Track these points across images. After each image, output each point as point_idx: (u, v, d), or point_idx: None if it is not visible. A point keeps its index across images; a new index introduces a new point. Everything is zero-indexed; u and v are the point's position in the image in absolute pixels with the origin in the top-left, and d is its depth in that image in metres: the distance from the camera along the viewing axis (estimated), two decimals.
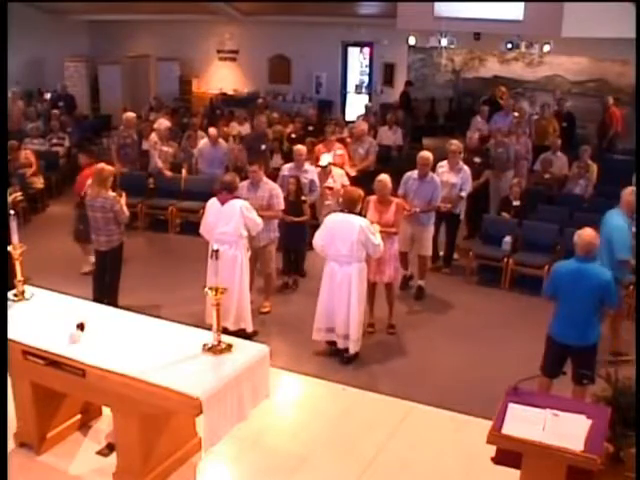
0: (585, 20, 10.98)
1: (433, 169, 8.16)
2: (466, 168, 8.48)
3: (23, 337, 4.63)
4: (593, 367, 4.99)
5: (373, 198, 6.94)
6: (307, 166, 8.47)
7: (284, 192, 7.72)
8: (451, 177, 8.34)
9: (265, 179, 7.48)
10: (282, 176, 8.33)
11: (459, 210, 8.60)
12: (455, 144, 8.52)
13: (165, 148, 10.65)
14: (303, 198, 8.09)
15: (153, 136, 10.81)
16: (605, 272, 5.19)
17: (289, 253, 8.28)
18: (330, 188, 8.88)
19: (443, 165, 8.49)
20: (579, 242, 5.18)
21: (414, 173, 7.77)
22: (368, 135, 10.85)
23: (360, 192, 6.53)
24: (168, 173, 10.39)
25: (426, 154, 7.81)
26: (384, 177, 6.96)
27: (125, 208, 7.05)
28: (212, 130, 10.73)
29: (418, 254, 7.94)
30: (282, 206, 7.42)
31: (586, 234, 5.18)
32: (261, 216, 6.82)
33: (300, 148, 8.58)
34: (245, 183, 7.33)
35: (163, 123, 11.45)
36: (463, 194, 8.41)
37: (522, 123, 11.32)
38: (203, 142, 10.65)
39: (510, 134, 10.79)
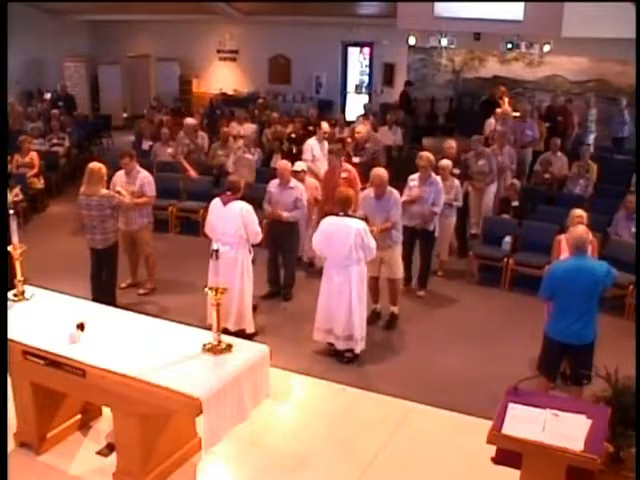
0: (585, 20, 10.98)
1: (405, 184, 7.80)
2: (439, 181, 7.79)
3: (23, 337, 4.63)
4: (590, 366, 5.00)
5: (563, 237, 6.04)
6: (293, 182, 7.73)
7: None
8: (422, 192, 7.61)
9: (138, 168, 7.75)
10: (268, 191, 7.76)
11: (433, 227, 7.79)
12: (424, 158, 7.69)
13: (248, 156, 10.08)
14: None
15: (240, 142, 10.48)
16: (602, 264, 5.24)
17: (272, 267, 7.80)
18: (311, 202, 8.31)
19: (414, 179, 7.79)
20: (571, 240, 5.25)
21: (371, 191, 7.00)
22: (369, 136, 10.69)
23: (351, 192, 6.60)
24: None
25: (380, 173, 6.96)
26: (578, 211, 6.19)
27: (127, 198, 7.25)
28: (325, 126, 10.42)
29: (388, 278, 7.23)
30: (154, 193, 7.78)
31: (576, 231, 5.25)
32: (135, 203, 7.45)
33: (284, 164, 7.86)
34: (120, 172, 7.77)
35: (249, 128, 10.79)
36: (436, 209, 7.66)
37: (507, 132, 10.66)
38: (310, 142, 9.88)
39: (492, 143, 10.17)
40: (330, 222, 6.38)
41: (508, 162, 9.96)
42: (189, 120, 11.12)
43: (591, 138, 12.89)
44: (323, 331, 6.47)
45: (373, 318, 7.20)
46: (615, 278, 5.37)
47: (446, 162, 8.41)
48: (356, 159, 9.83)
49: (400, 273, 7.34)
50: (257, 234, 6.68)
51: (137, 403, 4.23)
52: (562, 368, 5.63)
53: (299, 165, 8.42)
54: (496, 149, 9.95)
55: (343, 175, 8.36)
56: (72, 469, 4.78)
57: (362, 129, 10.60)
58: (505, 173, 9.84)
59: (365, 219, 6.79)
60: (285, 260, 7.88)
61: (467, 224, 9.50)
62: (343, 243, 6.17)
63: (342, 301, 6.26)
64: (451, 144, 9.13)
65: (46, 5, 16.90)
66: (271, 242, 7.63)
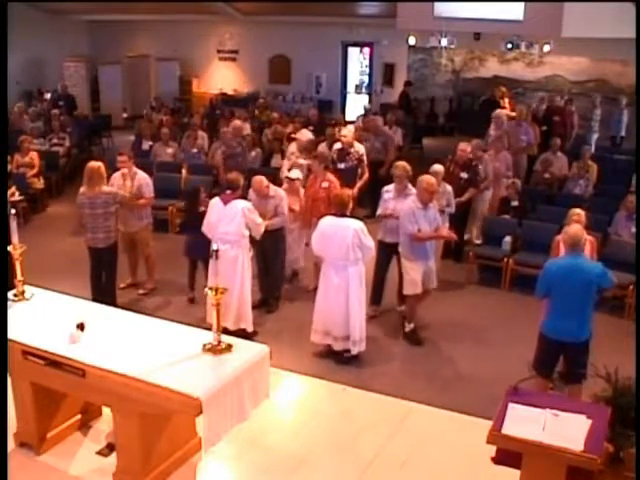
0: (585, 20, 10.98)
1: (379, 196, 7.40)
2: (414, 191, 7.01)
3: (23, 337, 4.63)
4: (585, 364, 5.02)
5: (561, 238, 5.73)
6: (273, 190, 7.33)
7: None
8: (398, 205, 7.02)
9: (135, 169, 7.72)
10: (248, 199, 7.34)
11: None
12: (400, 168, 7.17)
13: (302, 161, 9.44)
14: None
15: (292, 146, 10.13)
16: (596, 265, 5.26)
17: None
18: (292, 210, 7.71)
19: (389, 190, 7.26)
20: (566, 238, 5.26)
21: (416, 202, 6.70)
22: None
23: (349, 193, 6.62)
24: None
25: (433, 180, 6.76)
26: (577, 210, 6.22)
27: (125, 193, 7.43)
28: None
29: (427, 289, 7.02)
30: (152, 194, 7.81)
31: (571, 229, 5.28)
32: (134, 205, 7.54)
33: (259, 179, 7.27)
34: (117, 174, 7.74)
35: (306, 134, 10.51)
36: None
37: (502, 136, 10.25)
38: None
39: (488, 148, 9.75)
40: (328, 222, 6.37)
41: (504, 169, 9.53)
42: (238, 122, 11.03)
43: (594, 138, 12.89)
44: (321, 333, 6.46)
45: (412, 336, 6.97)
46: (612, 282, 5.36)
47: (438, 167, 8.04)
48: (341, 165, 9.36)
49: (435, 282, 7.14)
50: (259, 226, 6.71)
51: (137, 403, 4.23)
52: (559, 367, 5.63)
53: (295, 173, 8.07)
54: (492, 154, 9.59)
55: (324, 185, 7.83)
56: (72, 469, 4.79)
57: (348, 133, 10.25)
58: (500, 180, 9.39)
59: (419, 231, 6.66)
60: (271, 268, 7.56)
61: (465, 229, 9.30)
62: (340, 243, 6.16)
63: (340, 302, 6.25)
64: (464, 147, 8.80)
65: (46, 5, 16.91)
66: (258, 252, 7.35)
